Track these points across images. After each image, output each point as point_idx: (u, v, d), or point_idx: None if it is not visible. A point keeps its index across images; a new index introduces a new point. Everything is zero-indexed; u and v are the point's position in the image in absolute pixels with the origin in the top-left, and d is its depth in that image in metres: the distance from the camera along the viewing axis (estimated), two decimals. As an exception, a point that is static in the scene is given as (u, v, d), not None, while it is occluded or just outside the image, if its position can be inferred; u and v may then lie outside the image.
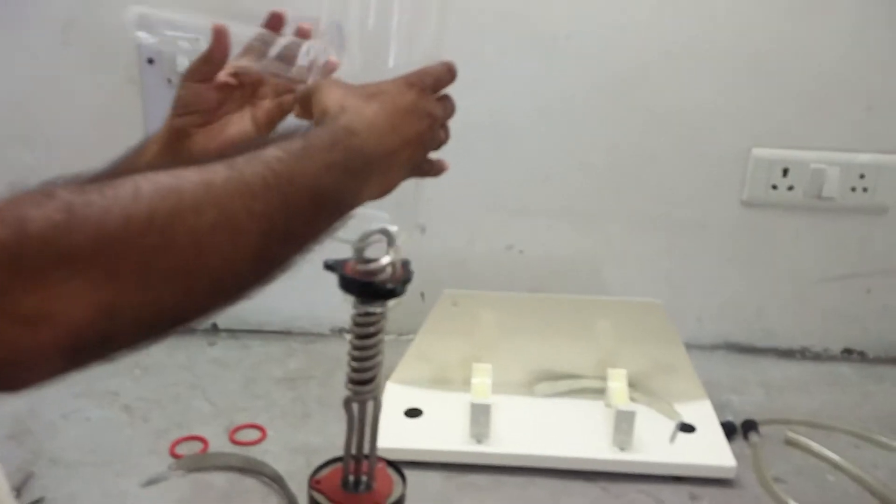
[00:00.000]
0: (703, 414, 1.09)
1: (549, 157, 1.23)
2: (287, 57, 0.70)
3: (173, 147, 0.72)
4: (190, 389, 1.18)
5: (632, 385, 1.10)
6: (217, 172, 0.48)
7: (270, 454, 1.02)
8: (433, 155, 0.68)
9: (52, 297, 0.42)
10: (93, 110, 1.21)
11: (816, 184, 1.20)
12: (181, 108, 0.72)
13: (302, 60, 0.69)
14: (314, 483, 0.77)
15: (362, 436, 0.76)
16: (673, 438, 1.03)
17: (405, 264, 0.69)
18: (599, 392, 1.12)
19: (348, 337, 0.72)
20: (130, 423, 1.09)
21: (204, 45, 0.70)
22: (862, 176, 1.19)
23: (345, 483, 0.76)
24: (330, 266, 0.69)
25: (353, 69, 0.70)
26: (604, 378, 1.11)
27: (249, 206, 0.48)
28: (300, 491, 0.94)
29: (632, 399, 1.08)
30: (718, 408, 1.11)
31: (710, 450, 1.02)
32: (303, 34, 0.71)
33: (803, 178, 1.20)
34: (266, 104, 0.74)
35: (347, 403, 0.74)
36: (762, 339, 1.30)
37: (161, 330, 0.47)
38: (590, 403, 1.11)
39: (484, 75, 1.16)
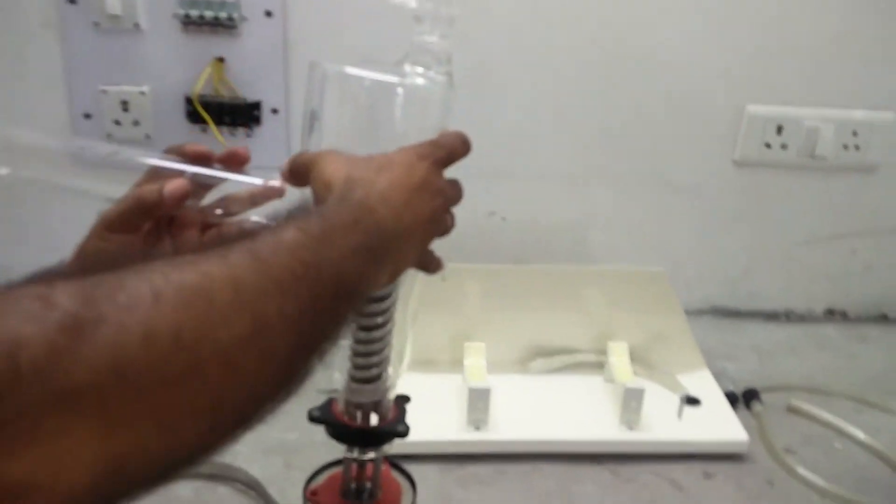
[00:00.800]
0: (706, 385, 1.04)
1: (534, 116, 1.14)
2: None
3: None
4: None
5: (631, 357, 1.04)
6: (243, 265, 0.40)
7: (242, 456, 0.90)
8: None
9: (45, 458, 0.31)
10: None
11: (810, 142, 1.16)
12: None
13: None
14: (311, 495, 0.68)
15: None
16: (680, 413, 0.98)
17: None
18: (597, 366, 1.05)
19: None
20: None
21: None
22: (855, 133, 1.16)
23: (346, 492, 0.68)
24: (316, 418, 0.64)
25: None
26: (602, 352, 1.05)
27: (281, 308, 0.41)
28: (282, 499, 0.84)
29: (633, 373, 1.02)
30: (714, 376, 1.07)
31: (719, 424, 0.98)
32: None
33: (798, 136, 1.16)
34: (192, 237, 0.62)
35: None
36: (747, 303, 1.26)
37: (173, 478, 0.37)
38: (588, 379, 1.04)
39: (464, 27, 1.05)
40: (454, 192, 0.58)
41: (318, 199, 0.53)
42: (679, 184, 1.19)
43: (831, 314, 1.29)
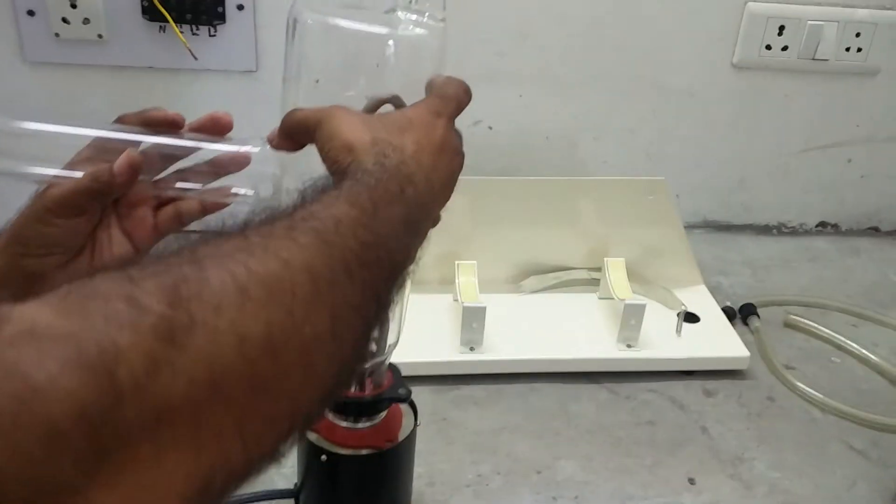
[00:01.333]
0: (703, 301, 1.01)
1: (521, 16, 1.06)
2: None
3: (13, 291, 0.51)
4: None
5: (627, 273, 0.99)
6: (313, 250, 0.37)
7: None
8: None
9: (140, 489, 0.28)
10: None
11: (812, 43, 1.10)
12: (40, 247, 0.51)
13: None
14: None
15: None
16: (679, 330, 0.94)
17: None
18: (592, 283, 1.01)
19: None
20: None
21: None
22: (858, 34, 1.10)
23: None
24: None
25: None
26: (597, 268, 1.00)
27: (349, 298, 0.38)
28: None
29: (630, 290, 0.97)
30: (710, 292, 1.04)
31: (719, 340, 0.94)
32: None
33: (799, 36, 1.09)
34: (145, 215, 0.56)
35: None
36: (740, 216, 1.22)
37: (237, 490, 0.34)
38: (583, 297, 1.00)
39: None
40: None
41: (335, 162, 0.47)
42: (674, 88, 1.13)
43: (824, 227, 1.25)
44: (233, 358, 0.31)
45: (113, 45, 1.03)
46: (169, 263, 0.33)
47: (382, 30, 0.54)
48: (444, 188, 0.49)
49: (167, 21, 1.01)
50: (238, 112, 1.08)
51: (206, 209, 0.56)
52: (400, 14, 0.54)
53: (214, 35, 1.04)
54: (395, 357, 0.87)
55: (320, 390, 0.37)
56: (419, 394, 0.87)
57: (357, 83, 0.53)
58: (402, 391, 0.65)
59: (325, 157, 0.47)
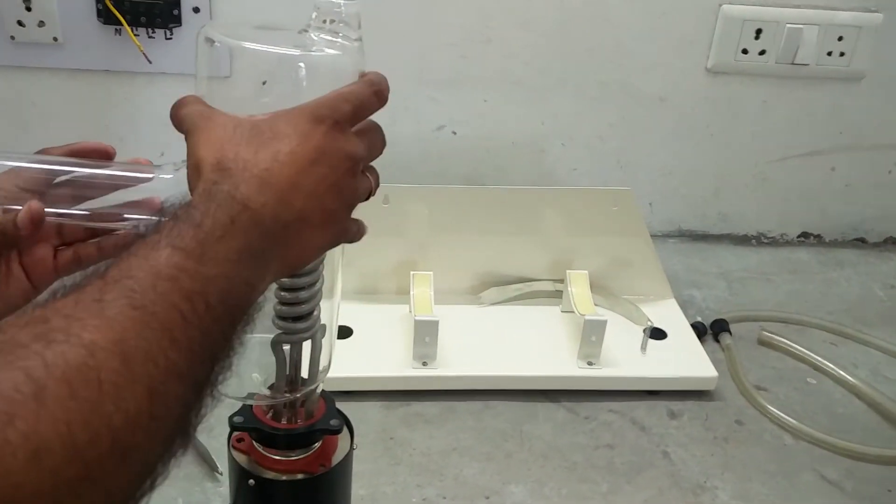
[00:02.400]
0: (672, 315, 0.96)
1: (485, 17, 1.02)
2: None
3: None
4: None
5: (591, 285, 0.95)
6: (125, 322, 0.35)
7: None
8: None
9: None
10: None
11: (791, 47, 1.05)
12: None
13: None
14: (236, 443, 0.60)
15: (296, 380, 0.58)
16: (644, 347, 0.90)
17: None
18: (555, 296, 0.96)
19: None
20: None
21: None
22: (840, 38, 1.06)
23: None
24: (238, 425, 0.59)
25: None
26: (560, 280, 0.96)
27: (174, 363, 0.36)
28: (208, 440, 0.75)
29: (594, 303, 0.93)
30: (681, 306, 0.99)
31: (686, 358, 0.90)
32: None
33: (777, 40, 1.05)
34: (45, 255, 0.55)
35: (276, 345, 0.56)
36: (717, 226, 1.18)
37: None
38: (545, 310, 0.96)
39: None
40: (368, 148, 0.48)
41: (189, 181, 0.45)
42: (646, 94, 1.08)
43: (806, 237, 1.21)
44: (26, 476, 0.29)
45: (68, 49, 1.01)
46: None
47: (293, 51, 0.50)
48: (314, 203, 0.44)
49: (122, 24, 0.98)
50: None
51: (104, 252, 0.55)
52: (313, 35, 0.50)
53: (171, 38, 1.01)
54: (345, 369, 0.84)
55: (143, 471, 0.35)
56: (367, 410, 0.84)
57: (267, 105, 0.49)
58: (333, 422, 0.60)
59: (187, 180, 0.44)
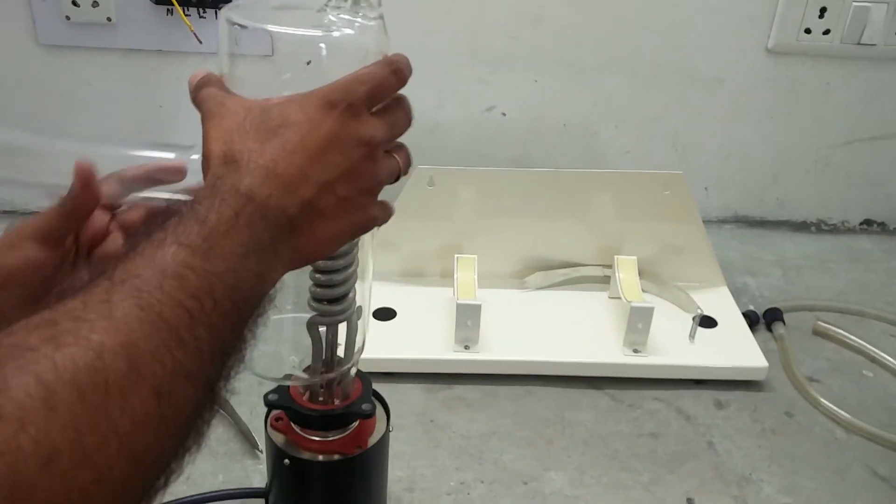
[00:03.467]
0: (723, 303, 0.94)
1: (537, -5, 1.00)
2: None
3: None
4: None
5: (640, 271, 0.93)
6: (132, 323, 0.35)
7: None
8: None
9: None
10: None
11: (857, 26, 1.01)
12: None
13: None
14: (274, 422, 0.62)
15: (332, 361, 0.58)
16: (693, 335, 0.88)
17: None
18: (602, 281, 0.95)
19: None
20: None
21: None
22: (911, 16, 1.01)
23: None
24: (274, 403, 0.60)
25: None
26: (607, 265, 0.94)
27: (181, 363, 0.36)
28: (251, 418, 0.76)
29: (642, 290, 0.91)
30: (734, 293, 0.97)
31: (736, 348, 0.88)
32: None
33: (843, 19, 1.01)
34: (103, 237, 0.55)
35: (312, 327, 0.56)
36: (774, 212, 1.15)
37: None
38: (591, 296, 0.94)
39: None
40: (389, 129, 0.47)
41: (203, 170, 0.45)
42: (702, 74, 1.05)
43: (869, 225, 1.16)
44: (38, 478, 0.30)
45: (122, 29, 1.02)
46: None
47: (313, 32, 0.50)
48: (324, 191, 0.44)
49: (173, 5, 0.99)
50: (246, 94, 1.05)
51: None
52: (331, 15, 0.50)
53: (221, 17, 1.02)
54: (388, 351, 0.84)
55: (155, 471, 0.35)
56: (408, 392, 0.84)
57: (288, 86, 0.49)
58: (366, 406, 0.61)
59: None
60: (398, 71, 0.46)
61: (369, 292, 0.60)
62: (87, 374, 0.32)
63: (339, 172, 0.44)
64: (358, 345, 0.60)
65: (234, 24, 0.49)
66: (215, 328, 0.38)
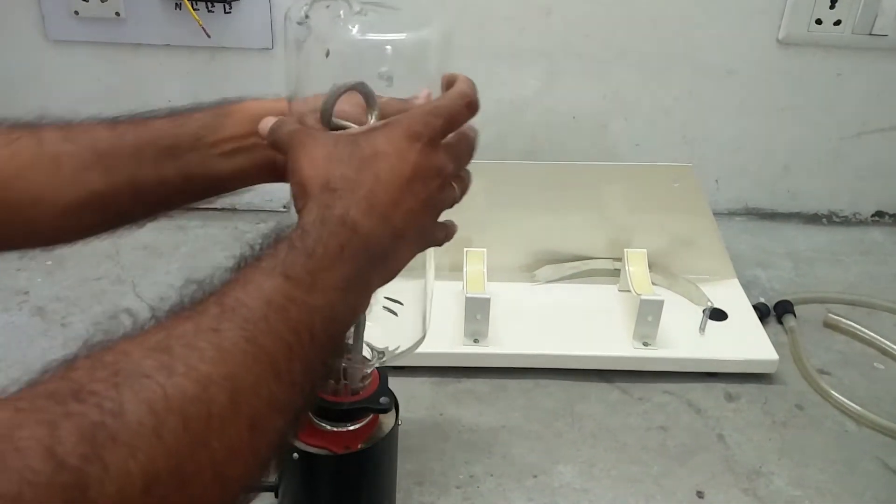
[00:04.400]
0: (734, 296, 0.94)
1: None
2: None
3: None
4: (116, 284, 0.97)
5: (650, 264, 0.93)
6: (237, 355, 0.37)
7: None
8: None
9: None
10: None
11: (869, 17, 1.00)
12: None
13: None
14: None
15: (350, 354, 0.58)
16: (703, 328, 0.88)
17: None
18: (612, 274, 0.95)
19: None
20: (45, 331, 0.89)
21: None
22: (923, 7, 1.00)
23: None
24: None
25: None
26: (617, 258, 0.94)
27: (274, 400, 0.38)
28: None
29: (652, 283, 0.91)
30: (744, 286, 0.96)
31: (746, 340, 0.87)
32: None
33: (854, 9, 1.00)
34: None
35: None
36: (785, 204, 1.14)
37: None
38: (601, 289, 0.94)
39: None
40: (457, 159, 0.49)
41: (294, 197, 0.47)
42: (713, 66, 1.05)
43: (880, 217, 1.16)
44: (140, 499, 0.32)
45: (130, 23, 1.03)
46: (91, 387, 0.32)
47: (379, 36, 0.51)
48: (411, 220, 0.46)
49: (182, -1, 1.00)
50: (255, 90, 1.05)
51: None
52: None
53: (230, 12, 1.02)
54: (397, 344, 0.84)
55: (241, 495, 0.37)
56: (418, 386, 0.84)
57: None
58: (383, 400, 0.61)
59: (290, 185, 0.47)
60: (471, 104, 0.49)
61: (430, 289, 0.62)
62: (193, 405, 0.34)
63: (420, 202, 0.46)
64: (412, 340, 0.62)
65: (299, 24, 0.50)
66: (309, 361, 0.40)
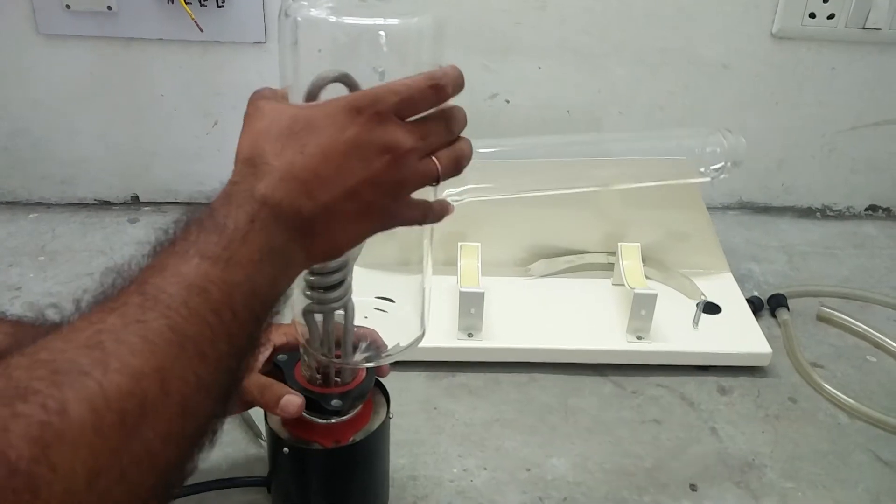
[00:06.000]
0: (727, 290, 0.94)
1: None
2: None
3: None
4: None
5: (644, 258, 0.93)
6: (164, 345, 0.38)
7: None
8: (428, 193, 0.49)
9: None
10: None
11: (862, 11, 1.00)
12: None
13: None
14: None
15: (331, 349, 0.58)
16: (696, 322, 0.88)
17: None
18: (605, 269, 0.95)
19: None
20: (37, 326, 0.89)
21: None
22: (916, 0, 1.00)
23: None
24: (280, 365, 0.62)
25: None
26: (611, 252, 0.94)
27: (202, 378, 0.39)
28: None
29: (646, 277, 0.91)
30: (738, 280, 0.96)
31: (740, 334, 0.87)
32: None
33: (847, 3, 1.00)
34: None
35: (307, 315, 0.56)
36: (780, 198, 1.14)
37: None
38: (595, 283, 0.94)
39: None
40: (423, 137, 0.46)
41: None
42: (707, 60, 1.05)
43: (874, 210, 1.16)
44: (87, 498, 0.33)
45: (122, 17, 1.02)
46: (33, 385, 0.33)
47: (373, 20, 0.49)
48: (343, 195, 0.44)
49: (174, -6, 0.99)
50: (248, 84, 1.05)
51: None
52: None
53: (222, 6, 1.01)
54: (390, 339, 0.83)
55: (175, 479, 0.39)
56: (412, 380, 0.84)
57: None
58: (334, 402, 0.60)
59: None
60: (437, 87, 0.46)
61: (427, 284, 0.61)
62: (128, 399, 0.35)
63: (359, 178, 0.44)
64: (413, 336, 0.61)
65: (290, 17, 0.49)
66: (233, 339, 0.40)
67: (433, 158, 0.47)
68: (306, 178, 0.43)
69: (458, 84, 0.47)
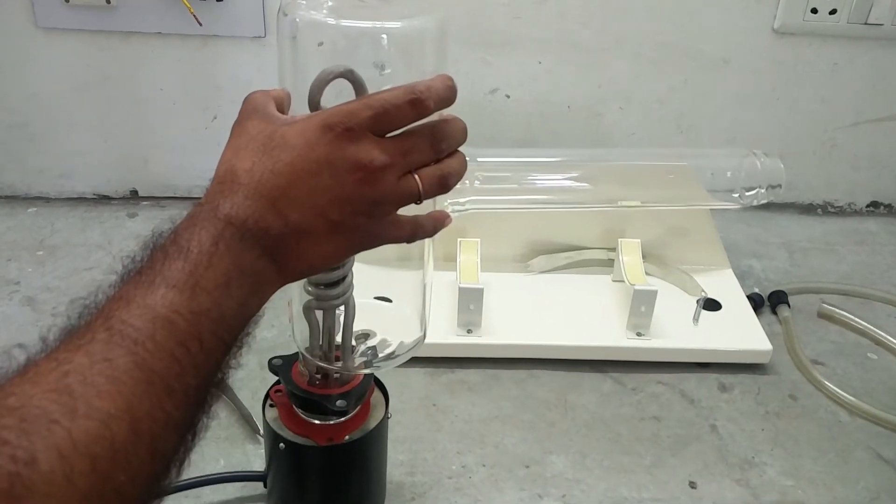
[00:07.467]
0: (728, 286, 0.93)
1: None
2: None
3: None
4: (108, 274, 0.96)
5: (644, 254, 0.92)
6: (131, 384, 0.36)
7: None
8: (427, 204, 0.47)
9: None
10: None
11: (864, 6, 1.00)
12: None
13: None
14: (274, 393, 0.62)
15: (331, 345, 0.58)
16: (697, 318, 0.87)
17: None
18: (606, 265, 0.94)
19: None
20: (35, 321, 0.88)
21: None
22: (919, -5, 1.00)
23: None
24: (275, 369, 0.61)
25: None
26: (611, 248, 0.94)
27: (170, 415, 0.38)
28: (252, 403, 0.76)
29: (646, 273, 0.90)
30: (739, 276, 0.96)
31: (740, 331, 0.87)
32: None
33: (850, -2, 1.00)
34: None
35: (308, 311, 0.55)
36: (781, 194, 1.13)
37: None
38: (595, 279, 0.94)
39: None
40: (402, 154, 0.44)
41: None
42: (708, 55, 1.04)
43: (875, 207, 1.15)
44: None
45: (121, 11, 1.02)
46: (1, 435, 0.33)
47: (373, 23, 0.49)
48: (312, 213, 0.43)
49: (173, -15, 0.99)
50: (247, 78, 1.04)
51: None
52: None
53: (221, 0, 1.01)
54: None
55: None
56: (411, 376, 0.83)
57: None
58: (339, 403, 0.59)
59: None
60: (416, 102, 0.44)
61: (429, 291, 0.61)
62: (98, 444, 0.34)
63: (329, 196, 0.43)
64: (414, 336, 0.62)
65: (289, 17, 0.48)
66: (201, 369, 0.39)
67: (415, 176, 0.45)
68: (275, 195, 0.42)
69: (442, 98, 0.45)
